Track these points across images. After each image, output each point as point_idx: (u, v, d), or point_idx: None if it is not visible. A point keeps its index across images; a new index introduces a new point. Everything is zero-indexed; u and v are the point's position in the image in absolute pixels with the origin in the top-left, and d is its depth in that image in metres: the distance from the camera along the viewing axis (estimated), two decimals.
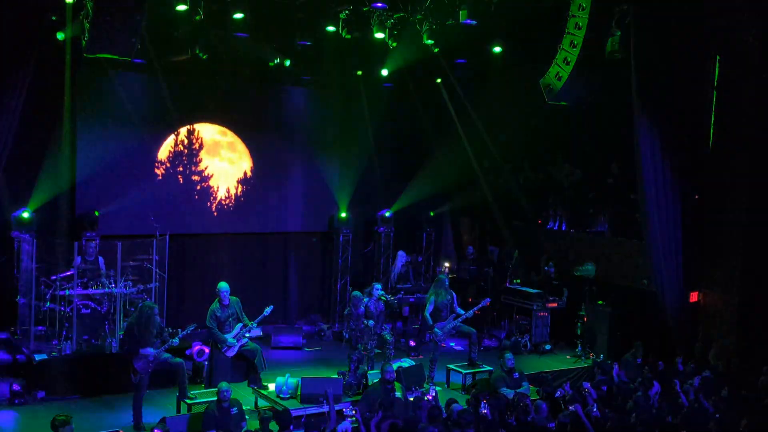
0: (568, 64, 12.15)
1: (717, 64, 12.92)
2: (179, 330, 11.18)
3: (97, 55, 10.88)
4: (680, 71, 12.31)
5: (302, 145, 15.97)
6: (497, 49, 14.14)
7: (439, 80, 16.11)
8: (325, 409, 9.89)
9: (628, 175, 13.96)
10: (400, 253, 15.77)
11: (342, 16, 12.89)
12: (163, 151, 14.58)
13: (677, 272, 12.83)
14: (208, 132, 15.07)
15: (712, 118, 12.97)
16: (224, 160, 15.28)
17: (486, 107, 15.90)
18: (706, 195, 13.16)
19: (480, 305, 12.83)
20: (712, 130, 13.00)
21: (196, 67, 13.83)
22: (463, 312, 12.51)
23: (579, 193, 15.94)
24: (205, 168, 15.01)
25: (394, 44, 13.38)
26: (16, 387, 10.94)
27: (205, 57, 13.51)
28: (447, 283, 12.78)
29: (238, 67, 14.34)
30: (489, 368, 12.36)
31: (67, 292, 12.12)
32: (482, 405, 9.29)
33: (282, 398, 10.73)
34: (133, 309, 12.45)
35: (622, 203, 14.71)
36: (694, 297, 13.23)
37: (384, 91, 16.32)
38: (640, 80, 11.97)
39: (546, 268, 15.36)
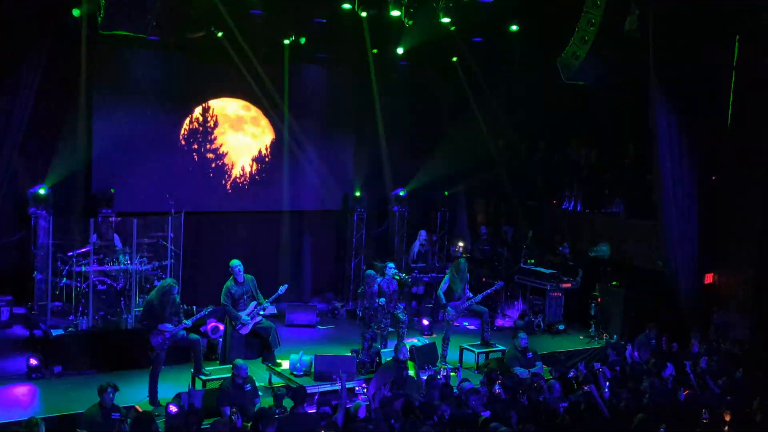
0: (585, 43, 12.04)
1: (737, 44, 12.77)
2: (194, 307, 11.24)
3: (113, 32, 10.88)
4: (699, 51, 12.16)
5: (317, 123, 15.95)
6: (514, 28, 14.03)
7: (455, 59, 16.00)
8: (338, 386, 9.94)
9: (645, 156, 13.88)
10: (422, 232, 15.77)
11: None
12: (179, 129, 14.60)
13: (692, 254, 12.77)
14: (231, 107, 15.09)
15: (731, 99, 12.85)
16: (248, 135, 15.31)
17: (502, 86, 15.82)
18: (722, 176, 13.06)
19: (493, 288, 12.82)
20: (730, 111, 12.87)
21: (211, 44, 13.80)
22: (472, 295, 12.51)
23: (595, 173, 15.85)
24: (221, 146, 15.03)
25: (410, 22, 13.28)
26: (33, 361, 11.06)
27: (220, 34, 13.51)
28: (465, 267, 12.70)
29: (254, 44, 14.30)
30: (502, 348, 12.38)
31: (83, 269, 12.20)
32: (496, 386, 9.32)
33: (296, 375, 10.79)
34: (148, 286, 12.55)
35: (638, 184, 14.63)
36: (709, 279, 13.18)
37: (399, 70, 16.24)
38: (658, 60, 11.84)
39: (560, 248, 15.34)
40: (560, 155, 16.67)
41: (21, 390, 10.61)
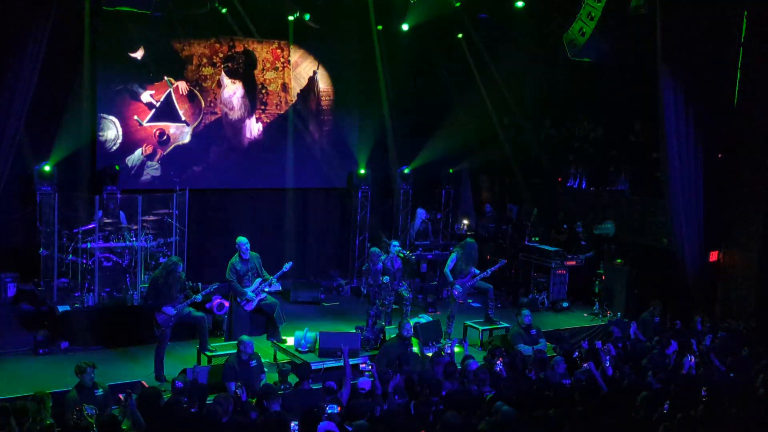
0: (592, 19, 11.98)
1: (744, 21, 12.67)
2: (199, 284, 11.28)
3: (117, 8, 10.83)
4: (706, 27, 12.08)
5: (322, 101, 15.88)
6: (520, 4, 13.92)
7: (460, 35, 15.90)
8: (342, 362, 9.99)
9: (651, 133, 13.82)
10: (420, 210, 15.75)
11: None
12: (183, 105, 14.54)
13: (697, 231, 12.76)
14: (239, 83, 15.02)
15: (738, 76, 12.76)
16: (256, 111, 15.25)
17: (507, 63, 15.70)
18: (729, 153, 13.01)
19: (497, 266, 12.80)
20: (737, 88, 12.79)
21: (215, 20, 13.74)
22: (478, 272, 12.51)
23: (600, 150, 15.80)
24: (226, 122, 14.98)
25: None
26: (40, 337, 11.13)
27: (224, 11, 13.43)
28: (473, 247, 12.65)
29: (258, 20, 14.22)
30: (506, 325, 12.41)
31: (89, 245, 12.24)
32: (498, 364, 9.35)
33: (301, 352, 10.85)
34: (153, 263, 12.59)
35: (644, 161, 14.59)
36: (714, 256, 13.17)
37: (404, 47, 16.16)
38: (664, 36, 11.76)
39: (565, 226, 15.31)
40: (566, 132, 16.61)
41: (28, 365, 10.69)
